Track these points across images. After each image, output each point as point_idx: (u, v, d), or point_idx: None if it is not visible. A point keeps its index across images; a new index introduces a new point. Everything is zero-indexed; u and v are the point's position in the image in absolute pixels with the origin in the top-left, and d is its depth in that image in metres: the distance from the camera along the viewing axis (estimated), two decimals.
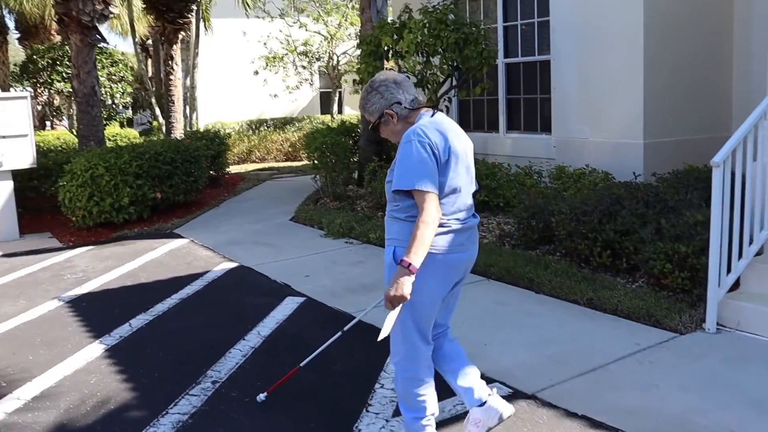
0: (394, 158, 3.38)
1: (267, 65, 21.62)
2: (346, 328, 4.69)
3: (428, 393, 3.58)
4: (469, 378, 3.75)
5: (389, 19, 10.26)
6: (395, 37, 9.75)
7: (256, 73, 21.54)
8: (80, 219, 10.05)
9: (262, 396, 4.50)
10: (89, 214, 9.98)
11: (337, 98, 22.49)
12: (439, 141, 3.26)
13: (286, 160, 19.85)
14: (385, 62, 10.29)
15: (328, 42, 21.44)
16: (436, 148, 3.24)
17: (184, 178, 11.00)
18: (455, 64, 9.49)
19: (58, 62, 14.65)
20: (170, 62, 15.57)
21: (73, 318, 6.36)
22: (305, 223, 10.17)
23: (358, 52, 22.02)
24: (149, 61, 27.80)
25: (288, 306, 6.46)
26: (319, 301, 6.59)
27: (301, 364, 4.59)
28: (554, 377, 4.74)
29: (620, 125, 9.38)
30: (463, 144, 3.44)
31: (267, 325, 5.94)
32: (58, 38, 25.23)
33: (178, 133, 15.52)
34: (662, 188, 7.47)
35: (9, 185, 9.96)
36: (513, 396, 4.48)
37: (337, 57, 22.09)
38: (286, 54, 21.74)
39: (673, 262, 6.10)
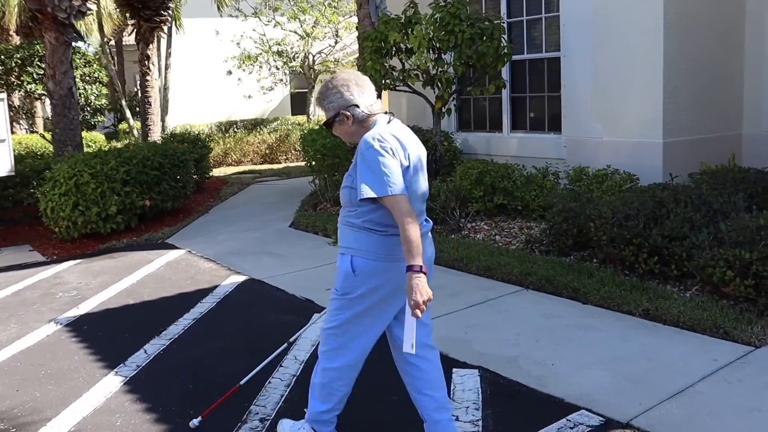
0: (352, 163, 3.37)
1: (240, 65, 20.90)
2: (292, 339, 4.60)
3: (344, 391, 3.65)
4: (446, 411, 3.65)
5: (392, 15, 9.66)
6: (403, 32, 9.18)
7: (230, 73, 20.84)
8: (64, 230, 9.28)
9: (195, 421, 4.10)
10: (73, 225, 9.22)
11: (313, 99, 21.83)
12: (397, 148, 3.25)
13: (263, 163, 19.15)
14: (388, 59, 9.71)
15: (305, 41, 20.77)
16: (397, 153, 3.23)
17: (172, 184, 10.29)
18: (469, 61, 8.92)
19: (28, 62, 13.75)
20: (146, 62, 14.77)
21: (78, 344, 5.66)
22: (307, 229, 9.54)
23: (334, 50, 21.81)
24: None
25: (318, 325, 5.82)
26: None
27: (241, 383, 4.28)
28: (643, 401, 4.25)
29: (637, 124, 8.94)
30: (417, 151, 3.43)
31: (302, 348, 5.32)
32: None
33: (155, 136, 14.74)
34: (705, 190, 7.01)
35: None
36: (606, 426, 3.99)
37: (313, 56, 21.46)
38: (261, 54, 21.03)
39: (734, 269, 5.63)
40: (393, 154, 3.21)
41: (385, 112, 3.47)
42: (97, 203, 9.16)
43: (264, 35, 20.89)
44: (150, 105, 14.84)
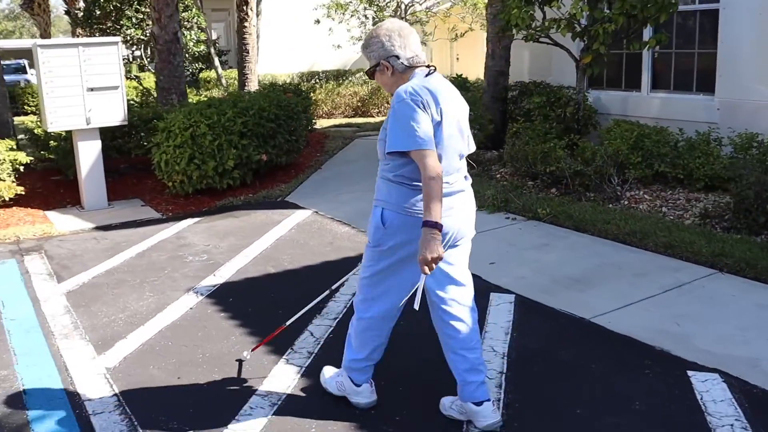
0: (388, 115, 3.28)
1: (329, 13, 20.04)
2: (334, 287, 4.68)
3: (376, 342, 3.63)
4: (478, 373, 3.51)
5: None
6: None
7: (318, 22, 19.97)
8: (177, 185, 8.66)
9: (246, 354, 4.33)
10: (188, 180, 8.59)
11: None
12: (430, 101, 3.18)
13: (354, 116, 18.35)
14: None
15: None
16: (428, 107, 3.16)
17: (287, 137, 9.57)
18: (632, 11, 7.90)
19: (126, 5, 13.08)
20: (244, 7, 14.02)
21: (229, 321, 5.00)
22: None
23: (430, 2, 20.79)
24: None
25: (501, 307, 5.08)
26: (534, 300, 5.22)
27: (288, 323, 4.42)
28: None
29: None
30: (455, 106, 3.34)
31: (496, 337, 4.57)
32: None
33: (253, 85, 14.06)
34: None
35: (97, 145, 8.55)
36: None
37: (405, 6, 20.47)
38: (351, 2, 20.11)
39: None
40: (424, 108, 3.14)
41: (427, 66, 3.36)
42: (213, 157, 8.51)
43: None
44: (248, 53, 14.15)
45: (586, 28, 8.28)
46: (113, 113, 8.47)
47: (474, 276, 5.72)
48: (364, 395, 3.70)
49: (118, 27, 12.96)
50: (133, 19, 12.98)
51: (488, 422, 3.46)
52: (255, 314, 5.10)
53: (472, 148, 3.55)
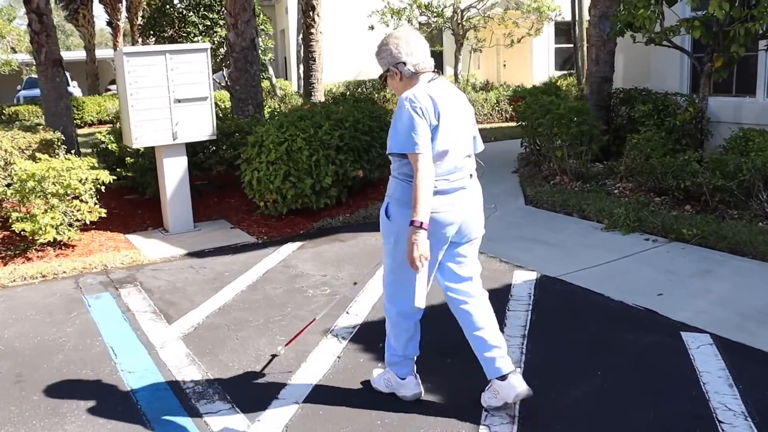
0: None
1: (383, 19, 19.38)
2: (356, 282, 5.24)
3: (406, 335, 3.78)
4: (495, 349, 3.64)
5: None
6: None
7: (372, 28, 19.31)
8: (270, 204, 7.96)
9: (280, 349, 4.56)
10: (282, 199, 7.89)
11: (462, 57, 20.21)
12: (428, 106, 3.37)
13: None
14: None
15: None
16: (426, 112, 3.34)
17: (380, 151, 8.86)
18: None
19: (193, 11, 12.40)
20: (311, 13, 13.32)
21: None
22: (554, 209, 7.99)
23: (483, 4, 20.03)
24: None
25: (704, 351, 4.31)
26: (735, 341, 4.47)
27: (317, 317, 4.70)
28: None
29: None
30: (456, 109, 3.54)
31: (721, 391, 3.79)
32: None
33: (319, 95, 13.36)
34: None
35: (183, 162, 7.87)
36: None
37: (461, 12, 19.76)
38: (406, 7, 19.44)
39: None
40: (421, 113, 3.33)
41: (433, 71, 3.55)
42: (310, 173, 7.80)
43: None
44: (314, 61, 13.44)
45: (722, 29, 7.48)
46: (202, 127, 7.79)
47: (648, 311, 5.01)
48: (408, 388, 3.85)
49: (184, 34, 12.28)
50: (200, 26, 12.29)
51: (518, 392, 3.56)
52: (417, 363, 4.35)
53: (480, 147, 3.75)
